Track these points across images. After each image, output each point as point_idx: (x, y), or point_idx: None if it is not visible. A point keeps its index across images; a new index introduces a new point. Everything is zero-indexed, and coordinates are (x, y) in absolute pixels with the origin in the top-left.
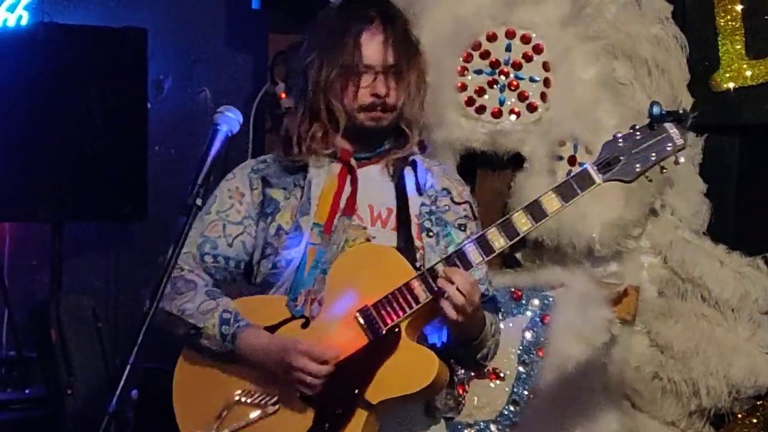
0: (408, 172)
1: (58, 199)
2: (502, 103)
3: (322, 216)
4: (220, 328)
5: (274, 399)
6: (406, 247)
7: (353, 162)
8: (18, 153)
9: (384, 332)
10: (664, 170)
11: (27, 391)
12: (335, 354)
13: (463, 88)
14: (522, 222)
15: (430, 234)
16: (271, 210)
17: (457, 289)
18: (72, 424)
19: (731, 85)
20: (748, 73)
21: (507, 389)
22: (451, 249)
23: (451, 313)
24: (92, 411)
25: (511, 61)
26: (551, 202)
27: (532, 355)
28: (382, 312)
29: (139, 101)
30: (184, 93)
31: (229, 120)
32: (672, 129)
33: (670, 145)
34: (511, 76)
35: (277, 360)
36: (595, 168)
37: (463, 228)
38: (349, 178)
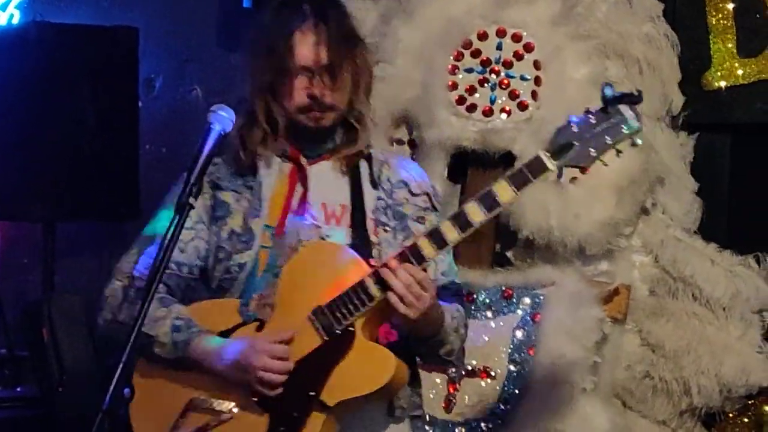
0: (363, 166)
1: (49, 198)
2: (493, 101)
3: (273, 218)
4: (172, 336)
5: (230, 405)
6: (361, 243)
7: (303, 161)
8: (9, 152)
9: (338, 332)
10: (620, 153)
11: (18, 390)
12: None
13: (454, 86)
14: (475, 213)
15: (387, 229)
16: (222, 213)
17: (405, 284)
18: (64, 423)
19: (723, 83)
20: (740, 72)
21: (498, 388)
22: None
23: (401, 308)
24: (84, 410)
25: (502, 60)
26: (504, 192)
27: (523, 354)
28: (336, 312)
29: (131, 100)
30: (175, 92)
31: (222, 119)
32: (627, 111)
33: (625, 127)
34: (502, 74)
35: (233, 363)
36: (548, 155)
37: (421, 221)
38: (299, 177)
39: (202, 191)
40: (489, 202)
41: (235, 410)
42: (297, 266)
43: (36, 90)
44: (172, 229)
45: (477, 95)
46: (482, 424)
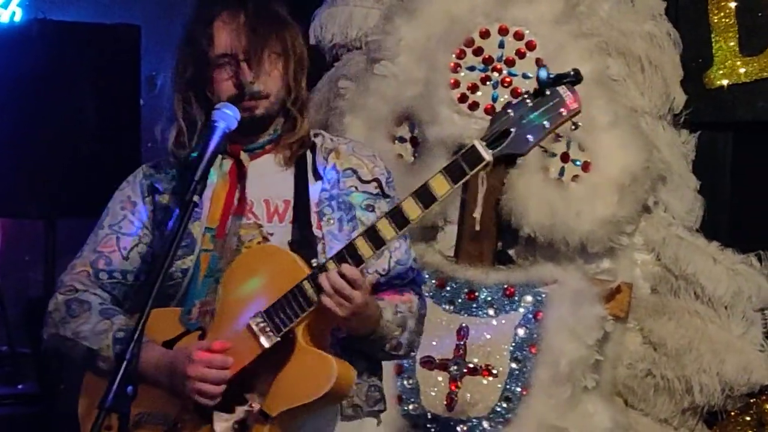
0: (309, 157)
1: (51, 195)
2: (495, 99)
3: (213, 219)
4: (114, 348)
5: (171, 418)
6: (303, 240)
7: (244, 156)
8: (11, 149)
9: (278, 339)
10: (574, 127)
11: (20, 387)
12: (232, 362)
13: (456, 84)
14: (412, 209)
15: (331, 221)
16: (162, 217)
17: (334, 286)
18: (64, 421)
19: (725, 82)
20: (742, 70)
21: (500, 386)
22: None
23: (334, 309)
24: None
25: (504, 58)
26: (440, 185)
27: (524, 352)
28: (275, 318)
29: (132, 98)
30: None
31: (227, 116)
32: (565, 92)
33: (563, 109)
34: (504, 72)
35: (172, 373)
36: (484, 144)
37: (371, 209)
38: (239, 174)
39: (144, 195)
40: (425, 196)
41: (179, 423)
42: (237, 271)
43: (38, 87)
44: (176, 228)
45: (479, 93)
46: (484, 423)
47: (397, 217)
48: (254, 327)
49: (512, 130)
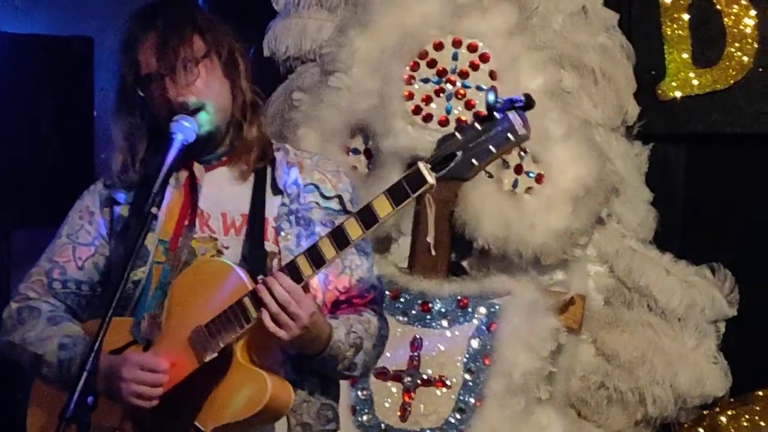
0: (269, 171)
1: (4, 207)
2: (449, 111)
3: (167, 231)
4: (57, 354)
5: (110, 427)
6: (254, 255)
7: (197, 168)
8: None
9: (215, 355)
10: (523, 152)
11: None
12: (165, 366)
13: (410, 96)
14: (354, 229)
15: (288, 236)
16: (120, 229)
17: (281, 302)
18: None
19: (678, 94)
20: (695, 83)
21: (453, 397)
22: None
23: (271, 328)
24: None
25: (458, 70)
26: (382, 206)
27: (478, 363)
28: (215, 333)
29: (86, 110)
30: None
31: (184, 129)
32: (515, 118)
33: (511, 135)
34: (458, 84)
35: (109, 378)
36: (428, 167)
37: (331, 225)
38: (192, 187)
39: (103, 206)
40: (367, 217)
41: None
42: (183, 284)
43: None
44: (139, 239)
45: (433, 105)
46: None
47: (339, 237)
48: (193, 342)
49: (458, 153)
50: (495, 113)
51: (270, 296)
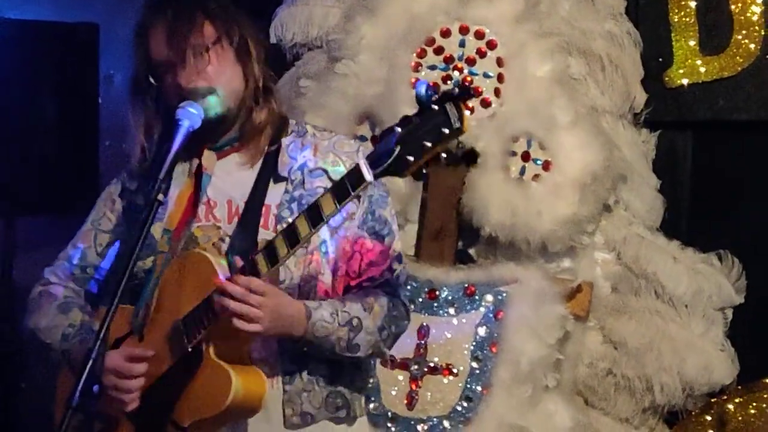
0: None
1: (9, 193)
2: None
3: (173, 221)
4: (61, 344)
5: (113, 417)
6: (244, 243)
7: (207, 155)
8: None
9: (189, 349)
10: (447, 157)
11: None
12: (144, 369)
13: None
14: (303, 227)
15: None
16: (134, 217)
17: (241, 299)
18: (26, 419)
19: (685, 81)
20: (702, 69)
21: (460, 385)
22: None
23: (241, 326)
24: (47, 405)
25: (465, 57)
26: (328, 204)
27: (485, 351)
28: (191, 327)
29: (91, 96)
30: None
31: (191, 115)
32: (451, 110)
33: (446, 128)
34: (465, 71)
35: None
36: (367, 163)
37: None
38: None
39: (121, 194)
40: (314, 215)
41: (103, 426)
42: (171, 276)
43: None
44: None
45: None
46: (444, 422)
47: (290, 235)
48: (172, 335)
49: (395, 149)
50: (431, 106)
51: (231, 296)
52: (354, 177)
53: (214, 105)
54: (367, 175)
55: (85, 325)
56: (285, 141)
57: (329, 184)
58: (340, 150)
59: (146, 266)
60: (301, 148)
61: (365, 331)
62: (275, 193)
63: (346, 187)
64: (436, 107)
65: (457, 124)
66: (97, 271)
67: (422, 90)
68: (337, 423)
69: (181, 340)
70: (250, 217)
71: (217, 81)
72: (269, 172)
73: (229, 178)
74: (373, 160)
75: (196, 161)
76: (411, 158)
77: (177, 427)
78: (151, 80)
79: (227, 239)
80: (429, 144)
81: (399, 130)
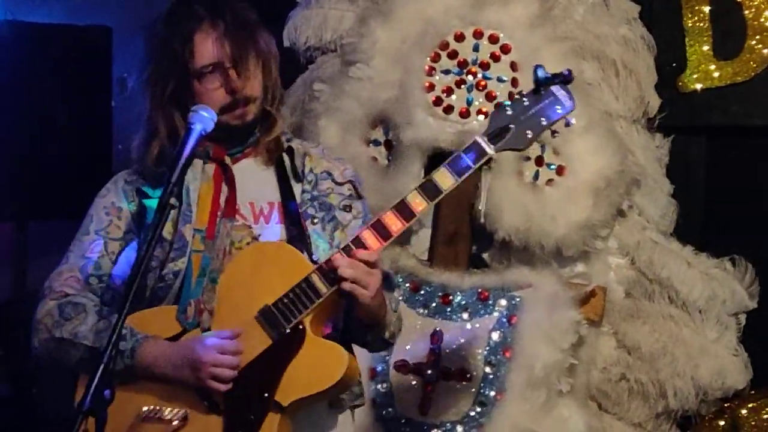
0: (286, 160)
1: (22, 197)
2: (469, 103)
3: (202, 221)
4: (118, 345)
5: (182, 412)
6: (298, 238)
7: (228, 160)
8: None
9: (288, 331)
10: (555, 134)
11: None
12: (243, 348)
13: (431, 87)
14: (417, 202)
15: (315, 221)
16: (150, 221)
17: (355, 268)
18: (37, 424)
19: (699, 86)
20: (716, 74)
21: (473, 390)
22: (337, 233)
23: (358, 292)
24: (59, 410)
25: (479, 61)
26: (444, 179)
27: (499, 356)
28: (285, 310)
29: (104, 99)
30: None
31: (203, 119)
32: (559, 91)
33: (559, 107)
34: (479, 75)
35: (182, 362)
36: (486, 139)
37: (348, 209)
38: (225, 178)
39: (129, 200)
40: (430, 190)
41: (189, 417)
42: (237, 269)
43: (8, 89)
44: (152, 232)
45: (454, 97)
46: (458, 427)
47: (404, 210)
48: (262, 320)
49: (512, 126)
50: (541, 88)
51: (345, 264)
52: (473, 152)
53: (253, 111)
54: (489, 149)
55: (128, 330)
56: (293, 144)
57: (335, 186)
58: (330, 157)
59: (177, 267)
60: (302, 154)
61: (398, 320)
62: (297, 192)
63: (466, 162)
64: (549, 88)
65: (569, 103)
66: (113, 279)
67: (541, 72)
68: (352, 411)
69: (277, 323)
70: (292, 215)
71: (257, 90)
72: (286, 173)
73: (247, 181)
74: (491, 136)
75: (211, 165)
76: (530, 134)
77: (278, 407)
78: (190, 84)
79: (258, 238)
80: (545, 122)
81: (509, 110)
